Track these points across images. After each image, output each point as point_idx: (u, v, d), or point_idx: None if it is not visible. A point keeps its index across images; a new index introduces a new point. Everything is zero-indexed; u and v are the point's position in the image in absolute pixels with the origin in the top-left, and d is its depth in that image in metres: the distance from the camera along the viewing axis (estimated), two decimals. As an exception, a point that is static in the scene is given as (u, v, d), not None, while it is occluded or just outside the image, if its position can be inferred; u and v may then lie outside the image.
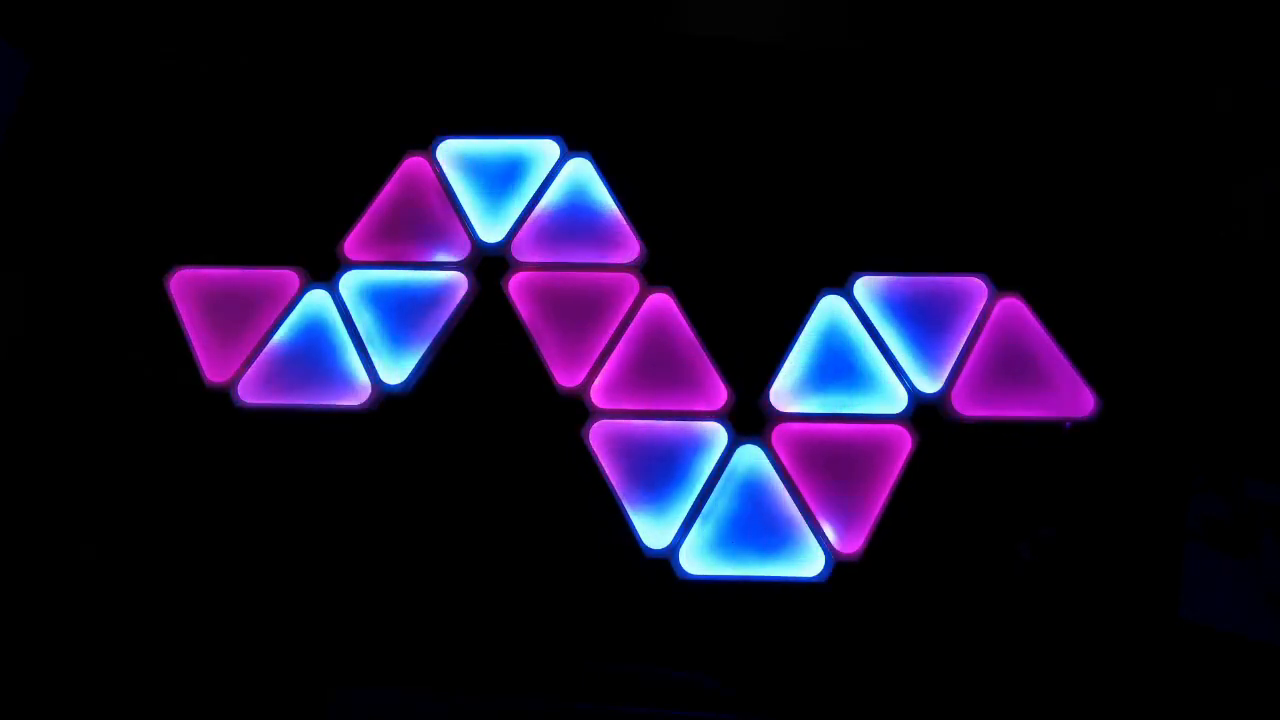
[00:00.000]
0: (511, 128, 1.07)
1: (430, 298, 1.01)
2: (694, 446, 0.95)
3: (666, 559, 0.91)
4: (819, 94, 1.10)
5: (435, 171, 1.05)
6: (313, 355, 0.99)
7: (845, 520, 0.92)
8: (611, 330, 0.98)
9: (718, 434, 0.95)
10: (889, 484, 0.92)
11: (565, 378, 0.97)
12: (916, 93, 1.10)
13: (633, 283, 1.00)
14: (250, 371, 0.98)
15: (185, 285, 1.02)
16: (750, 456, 0.94)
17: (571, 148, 1.06)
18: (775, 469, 0.93)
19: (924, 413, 0.96)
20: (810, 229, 1.04)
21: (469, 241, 1.03)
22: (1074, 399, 0.95)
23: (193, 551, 0.96)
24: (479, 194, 1.05)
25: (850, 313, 0.99)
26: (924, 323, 0.98)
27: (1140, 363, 0.99)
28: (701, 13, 1.13)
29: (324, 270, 1.03)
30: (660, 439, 0.95)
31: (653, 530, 0.92)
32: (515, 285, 1.01)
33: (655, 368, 0.97)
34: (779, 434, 0.94)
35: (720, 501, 0.93)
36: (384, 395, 0.98)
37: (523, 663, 0.92)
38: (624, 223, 1.02)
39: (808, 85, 1.11)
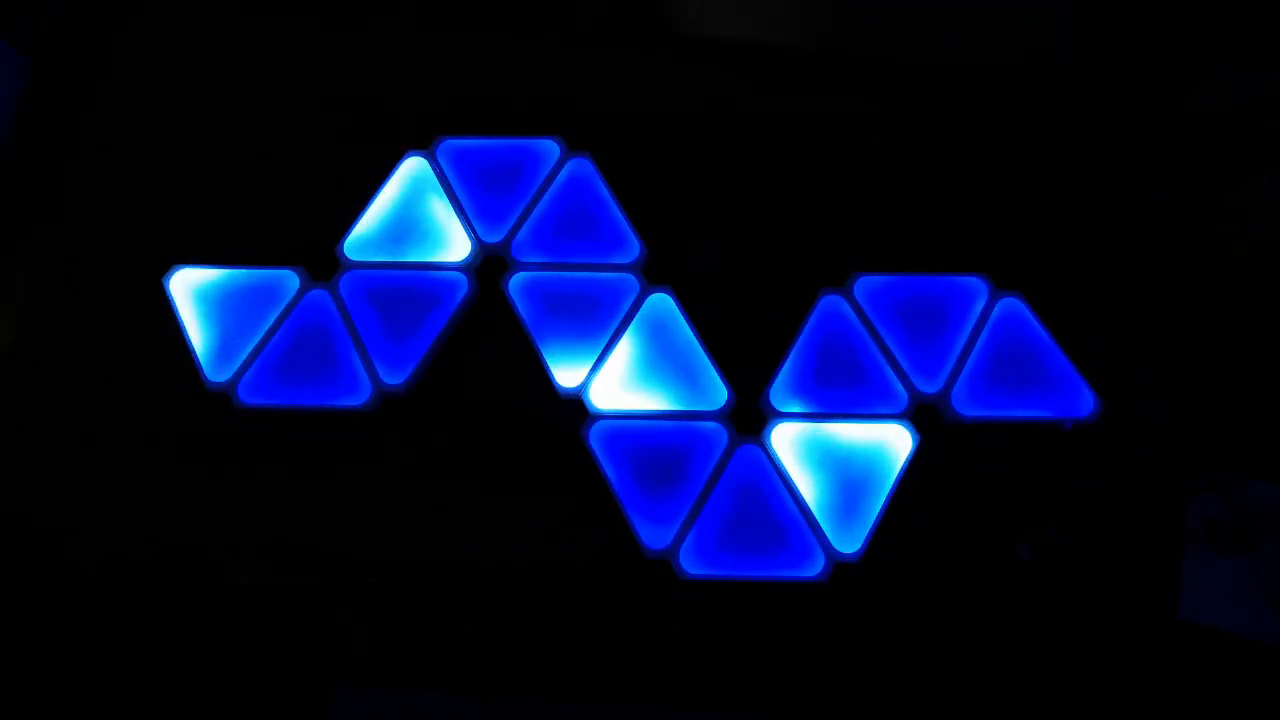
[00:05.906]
0: (511, 128, 1.07)
1: (430, 298, 1.01)
2: (694, 446, 0.95)
3: (666, 559, 0.91)
4: (819, 94, 1.10)
5: (436, 171, 1.05)
6: (313, 355, 0.99)
7: (845, 520, 0.92)
8: (611, 330, 0.98)
9: (718, 434, 0.95)
10: (889, 484, 0.92)
11: (565, 378, 0.97)
12: (916, 93, 1.10)
13: (633, 283, 1.00)
14: (250, 372, 0.98)
15: (185, 285, 1.02)
16: (750, 456, 0.94)
17: (571, 148, 1.06)
18: (775, 469, 0.93)
19: (924, 413, 0.96)
20: (810, 229, 1.04)
21: (469, 241, 1.03)
22: (1074, 399, 0.95)
23: (193, 551, 0.96)
24: (479, 194, 1.05)
25: (850, 313, 0.99)
26: (924, 322, 0.98)
27: (1140, 363, 0.99)
28: (701, 13, 1.13)
29: (324, 270, 1.03)
30: (660, 439, 0.95)
31: (653, 530, 0.92)
32: (515, 285, 1.01)
33: (655, 367, 0.97)
34: (779, 434, 0.95)
35: (720, 501, 0.93)
36: (384, 395, 0.98)
37: (523, 663, 0.92)
38: (624, 223, 1.02)
39: (808, 85, 1.11)
